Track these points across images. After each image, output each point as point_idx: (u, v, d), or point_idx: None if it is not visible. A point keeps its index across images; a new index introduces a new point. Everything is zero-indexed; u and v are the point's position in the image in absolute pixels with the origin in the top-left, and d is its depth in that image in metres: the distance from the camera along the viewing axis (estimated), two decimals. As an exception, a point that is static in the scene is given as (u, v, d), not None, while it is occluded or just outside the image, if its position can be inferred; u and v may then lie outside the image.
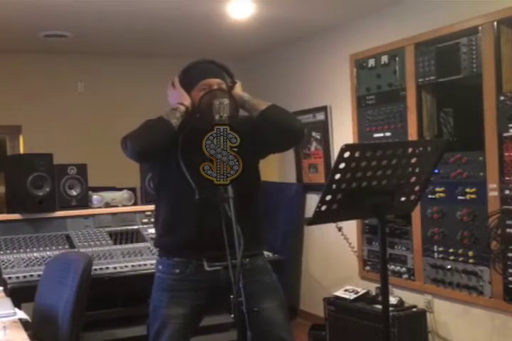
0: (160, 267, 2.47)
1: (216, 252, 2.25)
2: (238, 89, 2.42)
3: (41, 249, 3.57)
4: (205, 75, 2.40)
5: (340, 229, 4.48)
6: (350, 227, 4.31)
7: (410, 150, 2.02)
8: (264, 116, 2.34)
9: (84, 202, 3.92)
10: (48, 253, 3.52)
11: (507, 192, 3.18)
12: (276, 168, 5.35)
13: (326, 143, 4.74)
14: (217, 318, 3.34)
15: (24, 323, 2.25)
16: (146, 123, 2.38)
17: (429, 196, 3.60)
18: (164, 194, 2.47)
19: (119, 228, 3.90)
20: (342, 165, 1.87)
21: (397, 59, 3.86)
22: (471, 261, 3.41)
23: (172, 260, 2.43)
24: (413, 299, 3.79)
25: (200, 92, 2.36)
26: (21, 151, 5.20)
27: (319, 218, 2.00)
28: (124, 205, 4.05)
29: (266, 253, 2.67)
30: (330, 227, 4.44)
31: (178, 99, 2.38)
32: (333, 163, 2.28)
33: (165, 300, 2.40)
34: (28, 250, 3.54)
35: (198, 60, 2.47)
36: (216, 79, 2.40)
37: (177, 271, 2.40)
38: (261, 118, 2.34)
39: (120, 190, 4.14)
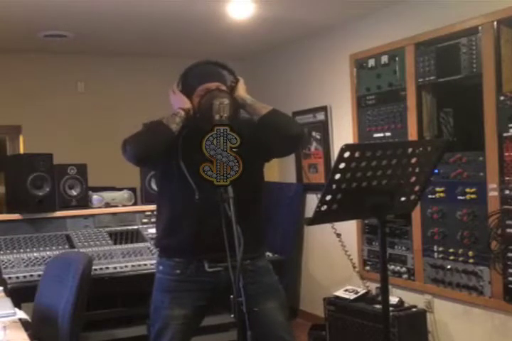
0: (160, 268, 2.47)
1: (217, 253, 2.24)
2: (241, 91, 2.40)
3: (41, 248, 3.57)
4: (203, 80, 2.39)
5: (339, 236, 4.48)
6: (351, 227, 4.31)
7: (410, 150, 2.02)
8: (265, 121, 2.33)
9: (84, 202, 3.92)
10: (48, 253, 3.52)
11: (507, 192, 3.18)
12: (276, 168, 5.35)
13: (326, 143, 4.74)
14: (217, 318, 3.34)
15: (24, 323, 2.25)
16: (146, 128, 2.38)
17: (429, 196, 3.60)
18: (165, 194, 2.47)
19: (119, 228, 3.90)
20: (342, 165, 1.87)
21: (397, 59, 3.85)
22: (471, 261, 3.41)
23: (172, 260, 2.42)
24: (413, 299, 3.79)
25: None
26: (21, 151, 5.19)
27: (319, 218, 2.00)
28: (124, 205, 4.06)
29: (266, 253, 2.68)
30: (330, 227, 4.45)
31: (179, 104, 2.38)
32: (333, 163, 2.27)
33: (166, 300, 2.40)
34: (28, 250, 3.54)
35: (195, 62, 2.45)
36: (214, 82, 2.38)
37: (177, 271, 2.40)
38: (261, 123, 2.34)
39: (120, 190, 4.15)
